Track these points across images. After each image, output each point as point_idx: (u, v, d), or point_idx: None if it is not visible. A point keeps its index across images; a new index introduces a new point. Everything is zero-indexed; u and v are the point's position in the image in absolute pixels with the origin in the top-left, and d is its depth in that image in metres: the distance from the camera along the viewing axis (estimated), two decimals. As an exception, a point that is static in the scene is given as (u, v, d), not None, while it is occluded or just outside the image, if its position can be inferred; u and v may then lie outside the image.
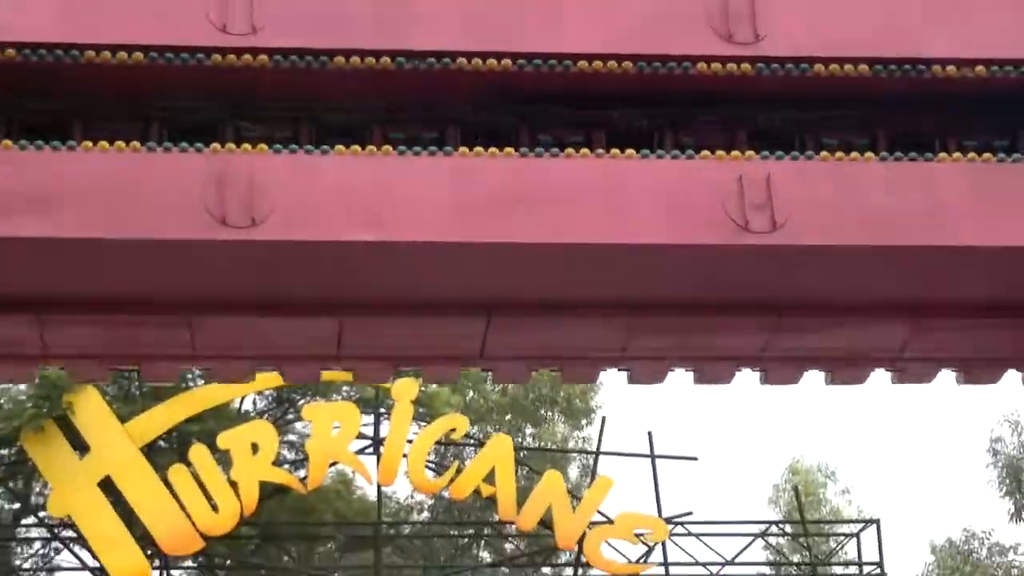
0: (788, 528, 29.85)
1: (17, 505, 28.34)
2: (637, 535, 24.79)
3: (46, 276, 8.86)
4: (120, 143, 8.47)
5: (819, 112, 9.21)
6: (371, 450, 24.74)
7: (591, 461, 29.29)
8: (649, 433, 25.95)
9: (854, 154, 8.64)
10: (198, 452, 23.14)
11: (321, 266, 8.54)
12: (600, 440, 28.35)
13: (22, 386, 25.61)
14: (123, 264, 8.32)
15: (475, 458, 25.28)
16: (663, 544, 25.02)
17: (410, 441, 24.46)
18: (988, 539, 31.64)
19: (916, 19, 9.29)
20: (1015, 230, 8.15)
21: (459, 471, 24.83)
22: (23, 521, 27.64)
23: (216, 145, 8.20)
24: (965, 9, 9.42)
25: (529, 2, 9.06)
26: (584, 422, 34.49)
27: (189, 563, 26.74)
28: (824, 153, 8.77)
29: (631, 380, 11.18)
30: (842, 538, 29.99)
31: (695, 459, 27.02)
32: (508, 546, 30.76)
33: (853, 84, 8.91)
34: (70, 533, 25.13)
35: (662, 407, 39.62)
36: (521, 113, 9.27)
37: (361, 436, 24.81)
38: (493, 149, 8.62)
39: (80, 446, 23.39)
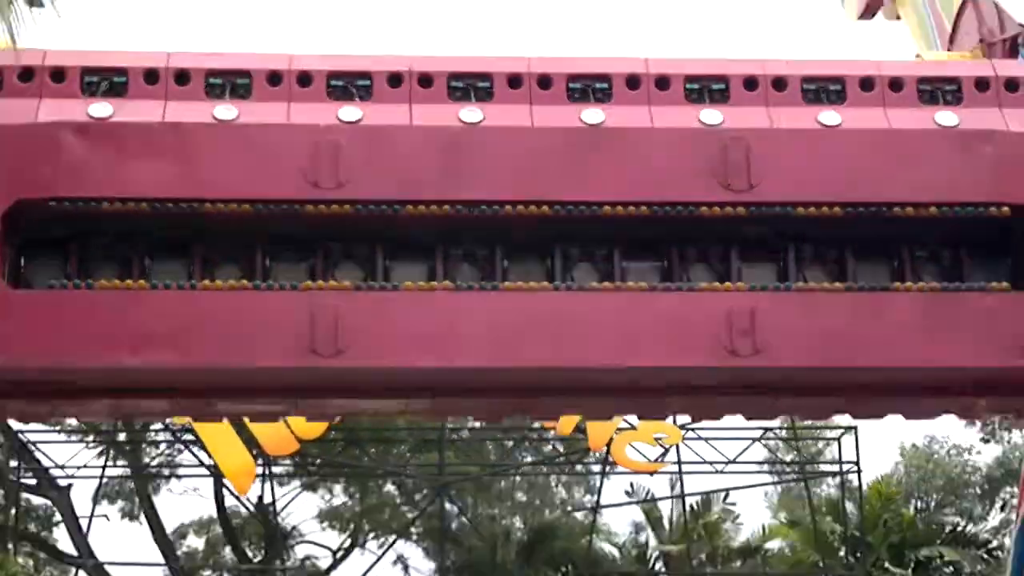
0: (782, 433, 30.35)
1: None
2: (656, 439, 26.49)
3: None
4: (232, 281, 9.20)
5: (799, 248, 9.87)
6: None
7: None
8: None
9: (824, 284, 9.37)
10: None
11: (394, 382, 9.27)
12: None
13: None
14: (228, 382, 9.17)
15: None
16: (677, 446, 26.96)
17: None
18: (947, 442, 33.13)
19: (880, 170, 9.87)
20: (956, 352, 8.87)
21: None
22: (151, 427, 28.84)
23: (308, 283, 8.86)
24: (919, 160, 11.00)
25: (563, 162, 9.65)
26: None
27: (287, 462, 28.81)
28: (799, 284, 9.50)
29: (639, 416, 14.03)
30: (826, 442, 31.31)
31: None
32: (547, 448, 31.90)
33: (828, 223, 9.55)
34: (189, 437, 27.11)
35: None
36: (554, 245, 10.57)
37: None
38: (531, 283, 9.28)
39: None
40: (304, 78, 9.55)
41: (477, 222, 9.22)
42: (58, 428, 27.88)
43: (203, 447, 27.07)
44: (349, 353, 8.29)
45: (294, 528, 32.37)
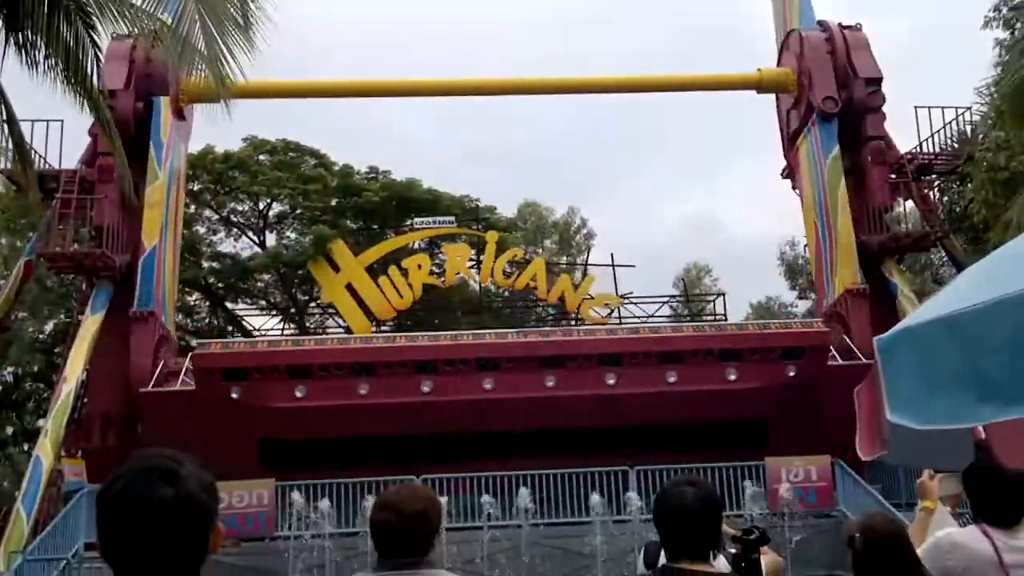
0: (681, 298, 35.97)
1: (307, 297, 34.73)
2: (605, 304, 30.45)
3: None
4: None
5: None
6: (475, 267, 29.80)
7: (585, 270, 33.28)
8: (612, 255, 31.18)
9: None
10: (392, 270, 27.93)
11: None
12: (587, 258, 35.27)
13: (306, 239, 31.24)
14: None
15: (526, 269, 29.29)
16: (618, 308, 31.08)
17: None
18: (778, 300, 38.25)
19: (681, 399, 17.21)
20: None
21: (518, 275, 29.13)
22: (311, 304, 34.39)
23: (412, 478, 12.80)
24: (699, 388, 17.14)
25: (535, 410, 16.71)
26: (583, 248, 39.92)
27: (388, 323, 31.62)
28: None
29: None
30: (706, 303, 35.98)
31: (633, 266, 32.38)
32: (540, 311, 34.75)
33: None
34: (332, 310, 31.54)
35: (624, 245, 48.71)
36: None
37: (471, 259, 29.84)
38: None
39: (336, 268, 28.29)
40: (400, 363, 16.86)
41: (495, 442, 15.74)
42: (255, 307, 34.22)
43: (339, 315, 30.65)
44: None
45: None
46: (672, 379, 17.79)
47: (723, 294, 34.00)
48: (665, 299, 33.69)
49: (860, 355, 18.58)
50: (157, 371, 19.61)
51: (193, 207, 31.25)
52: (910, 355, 2.44)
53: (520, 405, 17.49)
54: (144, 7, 8.78)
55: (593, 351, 18.55)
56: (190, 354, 19.61)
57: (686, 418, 16.60)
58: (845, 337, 19.99)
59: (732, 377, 17.80)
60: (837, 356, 19.32)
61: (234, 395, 18.07)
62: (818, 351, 18.55)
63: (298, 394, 17.73)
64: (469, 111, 61.31)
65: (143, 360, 19.54)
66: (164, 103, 20.62)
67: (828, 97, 19.98)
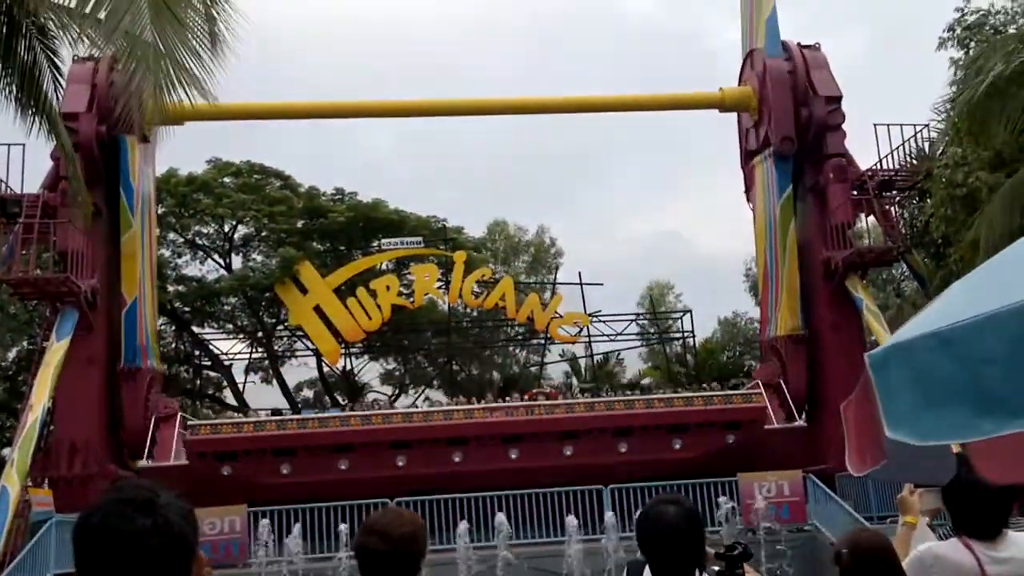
0: (648, 315, 36.01)
1: (274, 320, 34.38)
2: (574, 323, 30.97)
3: None
4: None
5: None
6: (443, 287, 29.84)
7: (554, 288, 34.17)
8: (579, 273, 31.66)
9: None
10: (361, 292, 27.81)
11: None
12: (556, 277, 35.74)
13: (273, 261, 30.54)
14: None
15: (494, 289, 29.24)
16: (588, 327, 31.89)
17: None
18: (745, 315, 38.22)
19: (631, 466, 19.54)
20: None
21: (487, 295, 29.24)
22: (277, 327, 34.04)
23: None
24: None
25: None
26: (552, 266, 39.66)
27: (359, 345, 32.44)
28: None
29: None
30: (674, 320, 36.13)
31: (601, 284, 33.69)
32: (509, 330, 35.69)
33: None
34: (300, 333, 31.44)
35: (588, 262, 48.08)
36: None
37: (439, 279, 29.83)
38: None
39: (303, 290, 28.06)
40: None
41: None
42: (221, 331, 33.78)
43: (308, 337, 30.90)
44: None
45: (365, 383, 36.75)
46: (623, 449, 20.26)
47: (689, 311, 34.39)
48: (632, 316, 34.33)
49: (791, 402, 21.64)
50: (151, 426, 21.32)
51: (158, 230, 30.71)
52: (903, 371, 2.45)
53: (486, 474, 19.39)
54: (107, 25, 8.51)
55: (553, 428, 20.89)
56: (184, 440, 21.11)
57: (637, 479, 17.97)
58: (781, 381, 22.02)
59: (677, 447, 20.32)
60: (772, 418, 21.65)
61: (225, 472, 20.18)
62: (755, 423, 21.04)
63: (283, 471, 19.96)
64: (433, 131, 61.27)
65: (136, 420, 21.14)
66: (131, 144, 20.81)
67: (786, 138, 20.58)
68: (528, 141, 59.97)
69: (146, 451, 20.89)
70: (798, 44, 22.31)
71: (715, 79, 24.20)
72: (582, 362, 36.56)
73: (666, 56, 64.48)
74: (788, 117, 20.82)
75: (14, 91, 9.46)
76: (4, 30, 9.21)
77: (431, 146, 55.53)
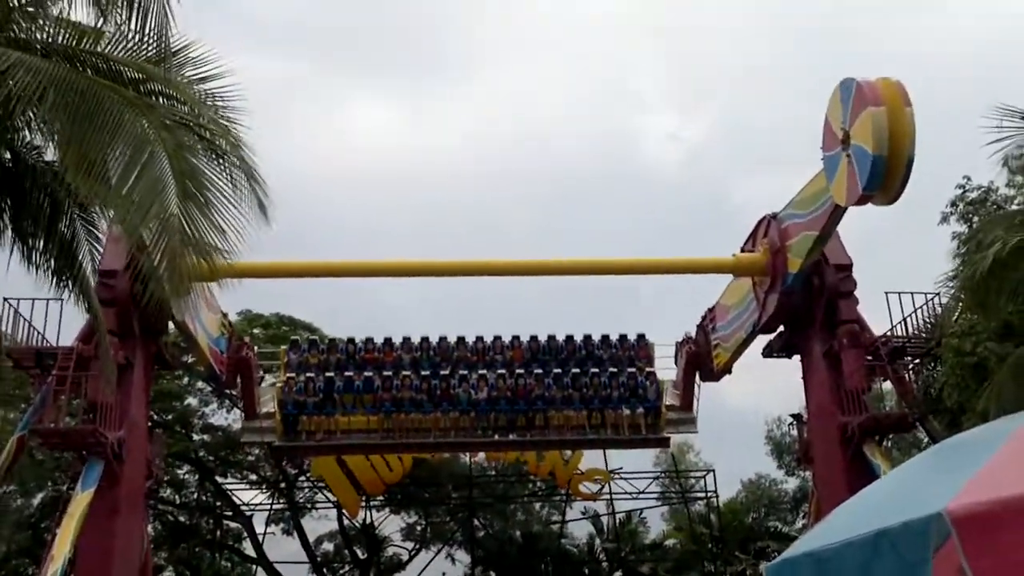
0: (671, 474, 35.52)
1: (297, 471, 34.27)
2: (595, 480, 31.52)
3: None
4: None
5: None
6: None
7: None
8: None
9: None
10: None
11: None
12: None
13: None
14: None
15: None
16: (609, 483, 32.06)
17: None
18: (768, 477, 37.29)
19: None
20: None
21: None
22: (299, 478, 34.03)
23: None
24: None
25: None
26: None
27: (380, 498, 33.31)
28: None
29: None
30: (696, 479, 36.16)
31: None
32: (530, 485, 36.14)
33: None
34: (322, 484, 32.25)
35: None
36: None
37: None
38: None
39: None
40: None
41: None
42: (243, 480, 33.94)
43: (330, 489, 31.90)
44: None
45: (385, 537, 36.05)
46: None
47: (712, 470, 34.20)
48: (655, 475, 34.25)
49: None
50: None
51: (186, 379, 31.55)
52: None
53: None
54: (142, 202, 9.18)
55: None
56: None
57: None
58: None
59: None
60: None
61: None
62: None
63: None
64: (457, 290, 62.09)
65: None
66: None
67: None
68: (549, 291, 60.49)
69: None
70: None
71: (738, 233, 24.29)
72: (604, 520, 36.05)
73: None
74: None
75: (52, 264, 10.13)
76: (48, 210, 9.98)
77: (449, 301, 56.27)
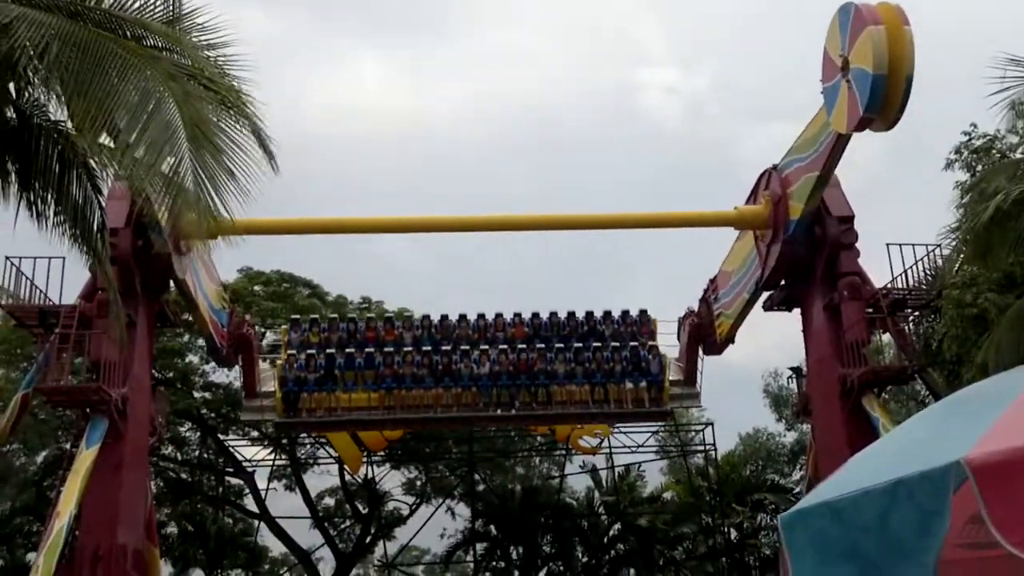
0: (669, 427, 34.82)
1: None
2: (595, 433, 31.42)
3: None
4: None
5: None
6: None
7: None
8: None
9: None
10: None
11: None
12: None
13: None
14: None
15: None
16: (608, 438, 32.37)
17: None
18: (766, 430, 38.00)
19: None
20: None
21: None
22: (301, 435, 32.97)
23: None
24: None
25: None
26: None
27: (381, 454, 33.45)
28: None
29: None
30: (695, 432, 36.45)
31: None
32: (531, 440, 36.38)
33: None
34: (323, 440, 32.32)
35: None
36: None
37: None
38: None
39: None
40: None
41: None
42: (245, 437, 33.67)
43: (331, 445, 32.06)
44: None
45: (386, 492, 36.45)
46: None
47: (711, 423, 34.10)
48: (654, 428, 33.81)
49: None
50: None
51: (187, 336, 31.55)
52: (805, 534, 2.84)
53: None
54: (145, 160, 9.08)
55: None
56: None
57: None
58: None
59: None
60: None
61: None
62: None
63: None
64: (456, 240, 61.71)
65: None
66: None
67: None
68: (550, 243, 60.47)
69: None
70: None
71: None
72: (603, 474, 36.36)
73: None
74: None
75: (65, 223, 10.08)
76: (56, 168, 9.89)
77: (454, 256, 56.16)
